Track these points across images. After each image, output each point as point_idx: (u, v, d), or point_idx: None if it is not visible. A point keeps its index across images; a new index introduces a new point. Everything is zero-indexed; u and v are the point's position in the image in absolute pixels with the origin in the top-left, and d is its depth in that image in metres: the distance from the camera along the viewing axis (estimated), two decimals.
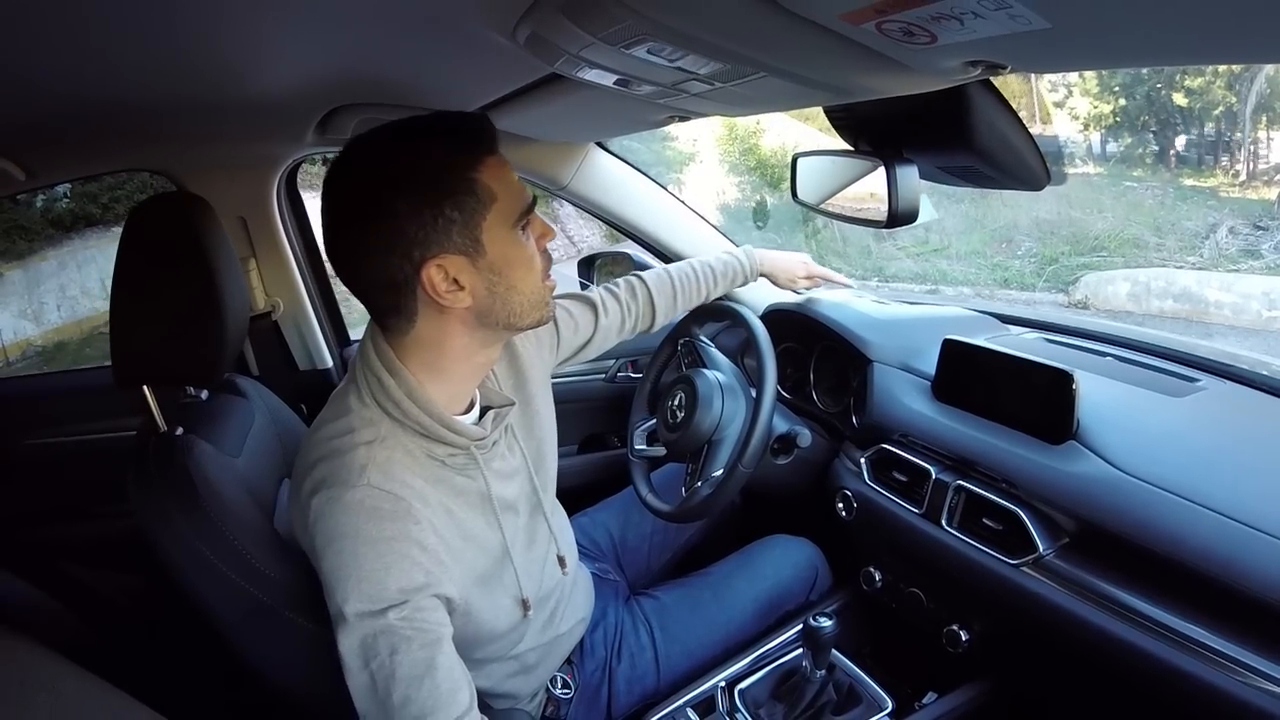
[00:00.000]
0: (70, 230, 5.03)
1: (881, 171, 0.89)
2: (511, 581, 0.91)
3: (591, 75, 0.72)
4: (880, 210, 0.89)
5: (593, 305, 1.17)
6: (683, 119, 1.00)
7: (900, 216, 0.87)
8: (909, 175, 0.86)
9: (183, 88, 0.90)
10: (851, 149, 0.95)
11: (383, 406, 0.81)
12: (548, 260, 0.85)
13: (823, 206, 1.06)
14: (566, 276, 1.96)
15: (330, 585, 0.75)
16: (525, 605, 0.91)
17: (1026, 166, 0.83)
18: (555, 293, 1.12)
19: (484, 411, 0.90)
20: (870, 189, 0.96)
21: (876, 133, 0.89)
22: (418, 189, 0.74)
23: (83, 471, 1.42)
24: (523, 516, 0.95)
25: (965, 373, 1.12)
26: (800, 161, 1.10)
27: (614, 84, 0.75)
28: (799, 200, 1.11)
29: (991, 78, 0.70)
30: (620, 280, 1.23)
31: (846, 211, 1.00)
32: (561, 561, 1.01)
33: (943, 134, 0.81)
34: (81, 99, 0.90)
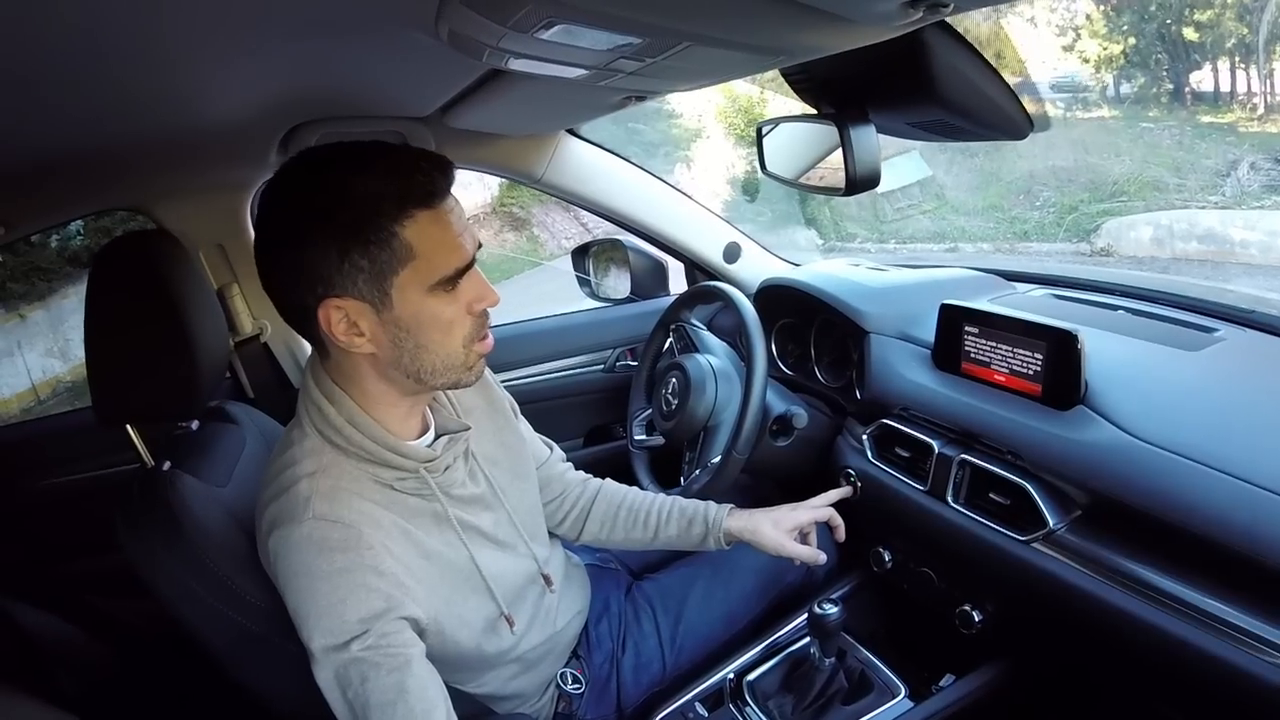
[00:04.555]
0: (88, 265, 5.15)
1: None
2: (488, 597, 0.88)
3: (521, 65, 0.69)
4: (841, 176, 0.84)
5: (549, 447, 1.11)
6: (640, 98, 0.96)
7: (859, 182, 0.82)
8: (866, 136, 0.81)
9: (141, 124, 0.90)
10: (814, 113, 0.90)
11: (324, 435, 0.80)
12: (480, 322, 0.80)
13: (794, 178, 1.01)
14: (564, 271, 1.94)
15: (296, 623, 0.76)
16: (509, 621, 0.89)
17: (1003, 114, 0.77)
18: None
19: (439, 437, 0.88)
20: (841, 154, 0.91)
21: (836, 93, 0.84)
22: (329, 227, 0.70)
23: (99, 506, 1.45)
24: (497, 544, 0.92)
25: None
26: (765, 131, 1.05)
27: (549, 71, 0.71)
28: (768, 173, 1.06)
29: (948, 19, 0.65)
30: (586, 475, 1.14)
31: (811, 181, 0.95)
32: (547, 580, 0.98)
33: (904, 87, 0.75)
34: (44, 147, 0.91)
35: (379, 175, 0.71)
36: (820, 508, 1.07)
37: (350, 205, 0.70)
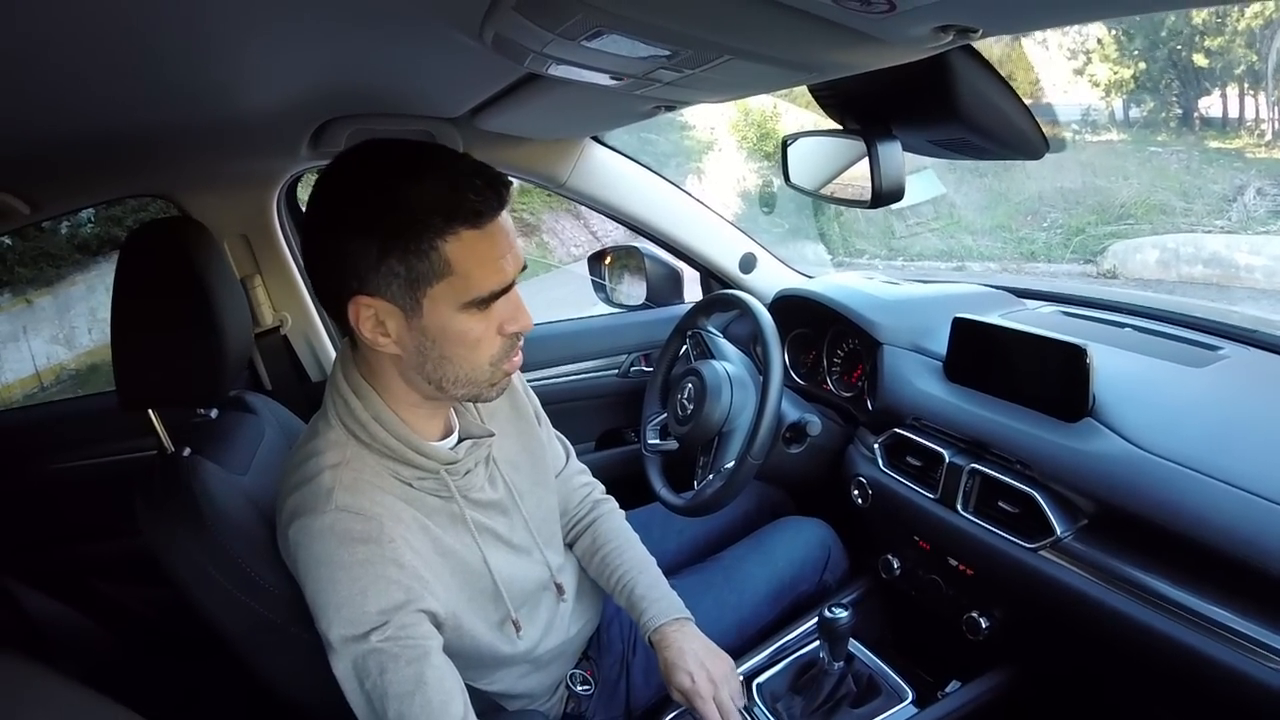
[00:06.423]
0: (97, 254, 5.14)
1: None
2: (498, 600, 0.88)
3: (561, 71, 0.71)
4: (867, 189, 0.87)
5: (566, 455, 1.10)
6: (669, 108, 0.99)
7: (885, 195, 0.85)
8: (892, 152, 0.84)
9: (175, 112, 0.91)
10: (839, 128, 0.93)
11: (348, 429, 0.80)
12: (510, 343, 0.78)
13: (817, 190, 1.04)
14: (576, 276, 1.96)
15: (314, 613, 0.76)
16: (516, 625, 0.89)
17: (1021, 135, 0.80)
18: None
19: (462, 440, 0.88)
20: (864, 168, 0.94)
21: (862, 109, 0.87)
22: (374, 227, 0.70)
23: (109, 491, 1.45)
24: (511, 548, 0.92)
25: (976, 351, 1.08)
26: (791, 144, 1.08)
27: (587, 79, 0.74)
28: (792, 185, 1.09)
29: (973, 44, 0.67)
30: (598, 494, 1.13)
31: (836, 193, 0.98)
32: (559, 588, 0.99)
33: (928, 106, 0.78)
34: (77, 131, 0.91)
35: (431, 186, 0.70)
36: (711, 701, 0.93)
37: (397, 211, 0.69)
